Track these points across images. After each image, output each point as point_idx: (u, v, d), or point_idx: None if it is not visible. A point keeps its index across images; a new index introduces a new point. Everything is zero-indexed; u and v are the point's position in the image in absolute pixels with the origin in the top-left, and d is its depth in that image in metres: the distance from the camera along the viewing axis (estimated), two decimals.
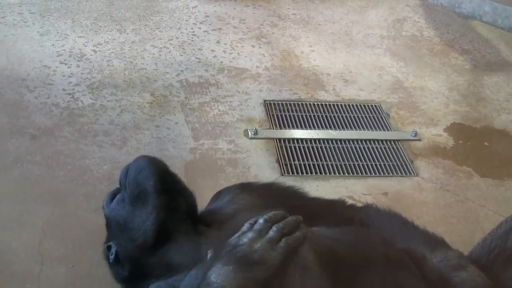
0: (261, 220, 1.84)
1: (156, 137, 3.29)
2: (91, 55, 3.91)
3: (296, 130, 3.52)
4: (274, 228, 1.81)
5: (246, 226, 1.83)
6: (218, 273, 1.66)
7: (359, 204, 2.63)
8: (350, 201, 2.67)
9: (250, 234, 1.78)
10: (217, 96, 3.70)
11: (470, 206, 3.14)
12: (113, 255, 2.13)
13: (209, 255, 1.79)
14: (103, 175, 3.00)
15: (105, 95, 3.55)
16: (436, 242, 2.25)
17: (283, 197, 2.37)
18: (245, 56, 4.17)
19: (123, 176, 2.18)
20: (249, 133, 3.40)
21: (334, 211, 2.42)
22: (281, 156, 3.29)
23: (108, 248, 2.17)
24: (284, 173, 3.17)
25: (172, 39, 4.24)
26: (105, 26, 4.26)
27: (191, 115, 3.50)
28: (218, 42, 4.30)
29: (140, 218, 2.07)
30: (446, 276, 2.05)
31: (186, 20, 4.52)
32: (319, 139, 3.47)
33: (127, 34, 4.20)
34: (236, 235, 1.80)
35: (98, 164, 3.06)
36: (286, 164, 3.25)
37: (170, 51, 4.09)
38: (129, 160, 3.01)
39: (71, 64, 3.78)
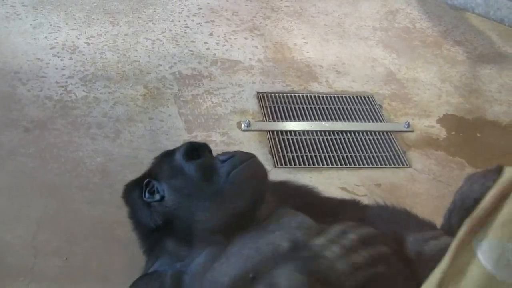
0: (350, 236, 1.82)
1: (149, 129, 3.29)
2: (84, 47, 3.91)
3: (289, 122, 3.53)
4: (363, 252, 1.79)
5: (332, 232, 1.82)
6: (289, 279, 1.66)
7: (373, 204, 2.60)
8: (363, 201, 2.64)
9: (335, 248, 1.76)
10: (210, 88, 3.70)
11: None
12: (158, 195, 2.08)
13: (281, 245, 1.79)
14: (97, 168, 2.99)
15: (98, 87, 3.55)
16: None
17: (296, 196, 2.35)
18: (238, 48, 4.17)
19: (238, 159, 2.09)
20: (242, 125, 3.41)
21: (345, 211, 2.39)
22: (274, 148, 3.30)
23: (147, 184, 2.12)
24: (277, 165, 3.18)
25: (165, 32, 4.23)
26: (98, 19, 4.25)
27: (184, 107, 3.50)
28: (211, 34, 4.30)
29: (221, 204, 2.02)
30: (419, 249, 2.03)
31: (179, 13, 4.51)
32: (312, 131, 3.48)
33: (120, 26, 4.20)
34: (320, 241, 1.79)
35: (91, 157, 3.06)
36: (279, 156, 3.25)
37: (163, 43, 4.09)
38: (122, 153, 3.07)
39: (64, 57, 3.78)
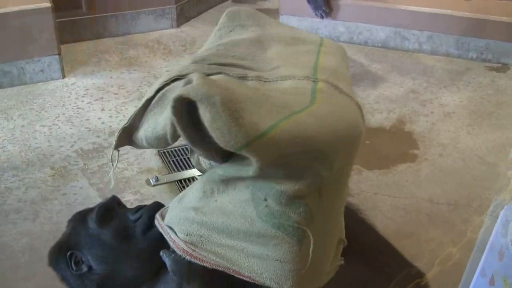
0: None
1: (65, 204, 3.44)
2: None
3: (194, 170, 3.72)
4: None
5: None
6: None
7: None
8: None
9: None
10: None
11: (365, 196, 3.42)
12: (85, 266, 2.10)
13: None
14: (24, 248, 3.11)
15: (7, 178, 3.67)
16: None
17: None
18: None
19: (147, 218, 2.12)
20: (151, 181, 3.59)
21: None
22: None
23: (71, 256, 2.14)
24: None
25: (59, 116, 4.40)
26: None
27: (93, 178, 3.67)
28: (103, 109, 4.49)
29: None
30: None
31: (68, 97, 4.70)
32: None
33: (14, 120, 4.34)
34: None
35: (16, 239, 3.17)
36: None
37: (60, 127, 4.25)
38: (44, 230, 3.19)
39: None
